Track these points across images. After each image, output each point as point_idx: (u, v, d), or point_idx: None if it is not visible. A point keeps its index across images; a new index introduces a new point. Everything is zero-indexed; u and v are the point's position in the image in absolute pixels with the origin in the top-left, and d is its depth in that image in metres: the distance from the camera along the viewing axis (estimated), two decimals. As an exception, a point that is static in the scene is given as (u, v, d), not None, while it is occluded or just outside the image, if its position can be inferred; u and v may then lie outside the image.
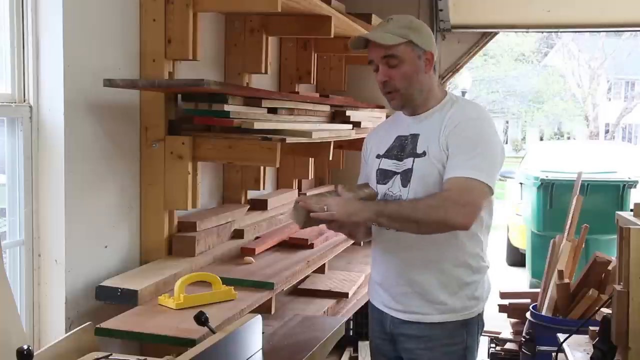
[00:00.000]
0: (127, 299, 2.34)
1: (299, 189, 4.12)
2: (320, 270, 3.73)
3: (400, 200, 2.21)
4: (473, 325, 2.34)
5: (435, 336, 2.30)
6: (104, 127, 2.49)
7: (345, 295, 3.66)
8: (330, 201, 2.18)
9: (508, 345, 4.47)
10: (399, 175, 2.28)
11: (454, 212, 2.11)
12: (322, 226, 3.53)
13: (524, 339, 3.95)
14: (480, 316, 2.37)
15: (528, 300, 4.44)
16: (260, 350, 2.23)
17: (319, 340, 2.60)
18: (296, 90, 3.93)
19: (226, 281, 2.51)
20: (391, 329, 2.38)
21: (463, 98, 2.44)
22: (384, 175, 2.32)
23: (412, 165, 2.26)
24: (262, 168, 3.32)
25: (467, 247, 2.29)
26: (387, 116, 4.48)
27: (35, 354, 1.80)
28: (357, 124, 3.87)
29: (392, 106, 2.34)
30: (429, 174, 2.22)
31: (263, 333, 2.29)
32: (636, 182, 7.12)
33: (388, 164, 2.33)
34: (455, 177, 2.15)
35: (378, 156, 2.38)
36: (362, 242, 4.34)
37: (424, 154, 2.25)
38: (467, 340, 2.33)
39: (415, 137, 2.30)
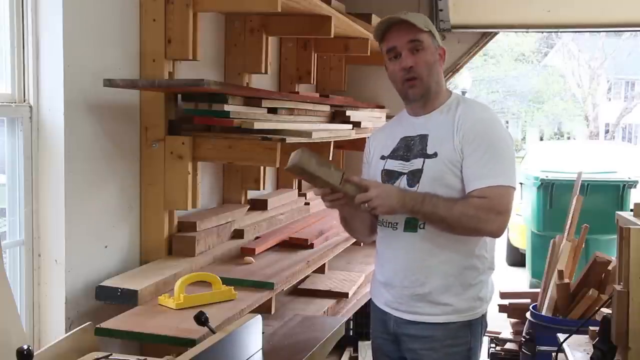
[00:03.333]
0: (127, 299, 2.34)
1: (299, 189, 4.12)
2: (320, 270, 3.73)
3: (436, 200, 2.19)
4: (477, 326, 2.34)
5: (439, 337, 2.30)
6: (104, 127, 2.49)
7: (345, 295, 3.66)
8: (373, 192, 2.17)
9: (508, 345, 4.48)
10: (405, 175, 2.28)
11: (487, 221, 2.19)
12: (323, 226, 3.54)
13: (524, 339, 3.95)
14: (483, 317, 2.37)
15: (528, 300, 4.44)
16: (260, 350, 2.23)
17: (319, 340, 2.60)
18: (296, 90, 3.93)
19: (226, 281, 2.51)
20: (395, 329, 2.37)
21: (468, 98, 2.46)
22: (390, 176, 2.32)
23: (422, 165, 2.26)
24: (262, 168, 3.32)
25: (473, 249, 2.30)
26: (387, 116, 4.49)
27: (35, 354, 1.80)
28: (357, 124, 3.86)
29: (411, 95, 2.31)
30: (440, 175, 2.23)
31: (263, 333, 2.29)
32: (636, 182, 7.12)
33: (394, 165, 2.33)
34: (486, 186, 2.19)
35: (382, 157, 2.38)
36: (361, 242, 4.31)
37: (435, 154, 2.25)
38: (470, 341, 2.33)
39: (424, 137, 2.30)
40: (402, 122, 2.42)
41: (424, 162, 2.26)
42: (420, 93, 2.30)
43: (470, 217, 2.17)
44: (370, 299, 2.53)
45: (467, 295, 2.30)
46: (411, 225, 2.28)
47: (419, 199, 2.19)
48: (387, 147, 2.38)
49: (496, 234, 2.25)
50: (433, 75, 2.29)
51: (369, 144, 2.51)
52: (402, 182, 2.28)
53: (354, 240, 3.84)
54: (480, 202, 2.18)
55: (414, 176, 2.26)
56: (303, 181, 4.16)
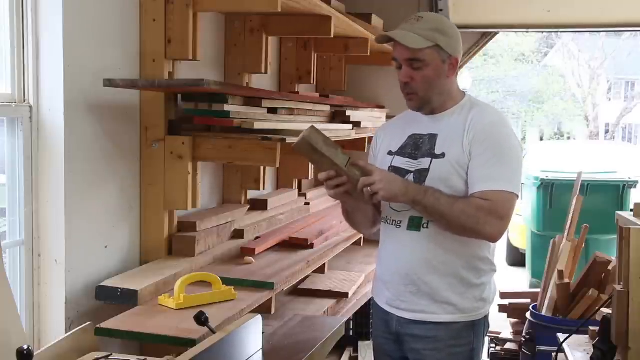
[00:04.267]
0: (127, 299, 2.34)
1: (299, 189, 4.12)
2: (320, 270, 3.72)
3: (439, 194, 2.18)
4: (480, 327, 2.34)
5: (441, 337, 2.30)
6: (104, 127, 2.49)
7: (345, 295, 3.65)
8: (377, 176, 2.15)
9: (508, 345, 4.47)
10: (412, 174, 2.28)
11: (486, 224, 2.17)
12: (323, 226, 3.54)
13: (524, 339, 3.95)
14: (486, 318, 2.37)
15: (528, 300, 4.44)
16: (260, 350, 2.23)
17: (319, 340, 2.60)
18: (296, 90, 3.93)
19: (226, 281, 2.51)
20: (397, 329, 2.37)
21: (481, 101, 2.43)
22: (397, 173, 2.29)
23: (430, 165, 2.25)
24: (262, 168, 3.32)
25: (476, 250, 2.29)
26: (388, 116, 4.49)
27: (35, 354, 1.80)
28: (357, 124, 3.87)
29: (409, 107, 2.33)
30: (446, 176, 2.23)
31: (263, 333, 2.29)
32: (636, 182, 7.12)
33: (401, 162, 2.32)
34: (490, 190, 2.18)
35: (390, 153, 2.37)
36: (363, 231, 4.29)
37: (442, 155, 2.25)
38: (473, 342, 2.33)
39: (433, 137, 2.29)
40: (413, 119, 2.38)
41: (431, 162, 2.26)
42: (416, 106, 2.31)
43: (470, 217, 2.17)
44: (372, 298, 2.53)
45: (470, 295, 2.30)
46: (415, 224, 2.27)
47: (421, 190, 2.19)
48: (395, 143, 2.37)
49: (493, 238, 2.24)
50: (434, 89, 2.26)
51: (376, 137, 2.50)
52: (409, 179, 2.28)
53: (354, 240, 3.85)
54: (482, 203, 2.17)
55: (421, 175, 2.26)
56: (304, 181, 4.17)
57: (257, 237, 3.28)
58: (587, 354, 2.21)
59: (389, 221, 2.35)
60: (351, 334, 4.41)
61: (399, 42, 2.23)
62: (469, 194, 2.21)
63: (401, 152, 2.34)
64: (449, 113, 2.31)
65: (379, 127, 2.60)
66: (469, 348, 2.32)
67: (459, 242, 2.25)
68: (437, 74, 2.25)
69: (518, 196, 2.23)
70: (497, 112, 2.37)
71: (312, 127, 2.17)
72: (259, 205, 3.49)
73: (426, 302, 2.29)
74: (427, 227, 2.26)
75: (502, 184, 2.19)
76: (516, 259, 8.76)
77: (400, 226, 2.31)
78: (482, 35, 4.98)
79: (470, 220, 2.17)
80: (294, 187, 4.00)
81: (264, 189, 3.45)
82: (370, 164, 2.26)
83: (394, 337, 2.39)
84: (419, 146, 2.31)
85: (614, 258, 3.67)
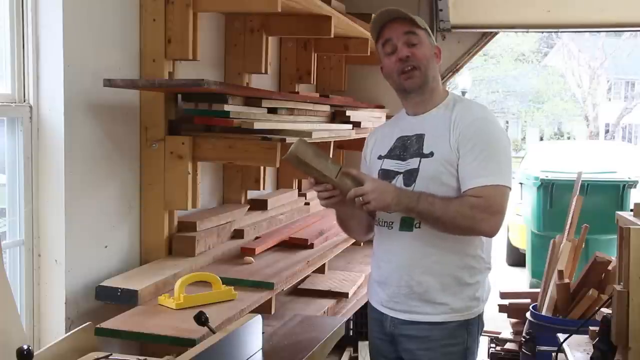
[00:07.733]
0: (127, 299, 2.34)
1: (299, 189, 4.12)
2: (320, 270, 3.73)
3: (432, 198, 2.18)
4: (473, 326, 2.34)
5: (435, 336, 2.30)
6: (104, 127, 2.49)
7: (345, 295, 3.66)
8: (369, 186, 2.15)
9: (508, 345, 4.47)
10: (401, 175, 2.28)
11: (482, 221, 2.18)
12: (323, 226, 3.54)
13: (524, 339, 3.95)
14: (480, 317, 2.37)
15: (528, 300, 4.44)
16: (260, 350, 2.23)
17: (319, 340, 2.60)
18: (296, 90, 3.93)
19: (226, 281, 2.52)
20: (391, 330, 2.37)
21: (465, 97, 2.46)
22: (386, 176, 2.32)
23: (419, 165, 2.26)
24: (262, 168, 3.32)
25: (468, 249, 2.29)
26: (388, 116, 4.49)
27: (35, 354, 1.80)
28: (357, 124, 3.87)
29: (408, 86, 2.30)
30: (436, 175, 2.23)
31: (263, 333, 2.29)
32: (636, 182, 7.12)
33: (390, 164, 2.33)
34: (482, 186, 2.18)
35: (380, 157, 2.38)
36: (359, 235, 4.30)
37: (431, 154, 2.25)
38: (467, 341, 2.33)
39: (420, 137, 2.30)
40: (399, 122, 2.42)
41: (420, 162, 2.26)
42: (418, 84, 2.29)
43: (466, 217, 2.17)
44: (368, 299, 2.53)
45: (464, 295, 2.30)
46: (407, 225, 2.28)
47: (414, 197, 2.18)
48: (384, 147, 2.39)
49: (490, 233, 2.25)
50: (430, 68, 2.29)
51: (367, 143, 2.52)
52: (399, 181, 2.28)
53: (354, 240, 3.84)
54: (476, 201, 2.17)
55: (411, 175, 2.27)
56: (303, 180, 4.17)
57: (257, 237, 3.28)
58: (587, 354, 2.21)
59: (381, 223, 2.36)
60: (351, 334, 4.41)
61: (394, 20, 2.26)
62: (462, 192, 2.22)
63: (390, 154, 2.35)
64: (433, 112, 2.33)
65: (370, 132, 2.62)
66: (463, 347, 2.33)
67: (452, 241, 2.25)
68: (430, 54, 2.30)
69: (510, 188, 2.24)
70: (481, 108, 2.38)
71: (300, 140, 2.17)
72: (259, 205, 3.49)
73: (419, 302, 2.29)
74: (419, 227, 2.26)
75: (492, 179, 2.19)
76: (516, 259, 8.76)
77: (392, 227, 2.31)
78: (482, 35, 4.98)
79: (466, 220, 2.18)
80: (294, 187, 4.00)
81: (264, 189, 3.45)
82: (362, 173, 2.24)
83: (389, 338, 2.40)
84: (407, 147, 2.32)
85: (614, 258, 3.67)
